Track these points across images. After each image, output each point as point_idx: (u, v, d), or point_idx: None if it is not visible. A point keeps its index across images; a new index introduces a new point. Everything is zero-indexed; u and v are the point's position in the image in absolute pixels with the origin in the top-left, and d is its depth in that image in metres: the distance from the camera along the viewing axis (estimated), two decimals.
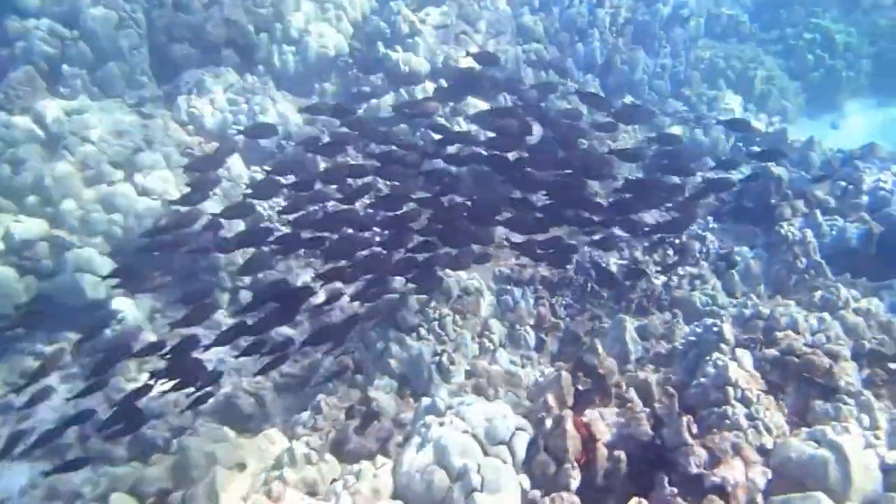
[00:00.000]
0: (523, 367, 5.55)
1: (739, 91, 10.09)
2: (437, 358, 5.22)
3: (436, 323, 5.39)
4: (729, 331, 4.73)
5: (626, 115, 6.12)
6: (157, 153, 6.51)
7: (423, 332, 5.37)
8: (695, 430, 3.99)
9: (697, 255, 6.43)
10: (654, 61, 9.45)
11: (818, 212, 6.00)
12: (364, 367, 5.40)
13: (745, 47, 11.47)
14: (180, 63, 7.80)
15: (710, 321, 4.96)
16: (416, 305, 5.44)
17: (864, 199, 6.01)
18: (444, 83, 7.12)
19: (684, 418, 3.90)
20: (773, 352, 4.39)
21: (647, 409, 4.26)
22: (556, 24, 9.02)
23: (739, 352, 4.43)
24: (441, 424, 4.12)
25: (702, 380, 4.42)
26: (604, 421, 4.18)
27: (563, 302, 6.13)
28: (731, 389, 4.23)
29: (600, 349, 4.76)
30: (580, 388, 4.60)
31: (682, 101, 9.60)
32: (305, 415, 4.96)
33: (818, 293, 5.03)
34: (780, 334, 4.46)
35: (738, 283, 6.06)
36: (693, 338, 5.09)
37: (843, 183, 6.20)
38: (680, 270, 6.31)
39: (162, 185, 6.36)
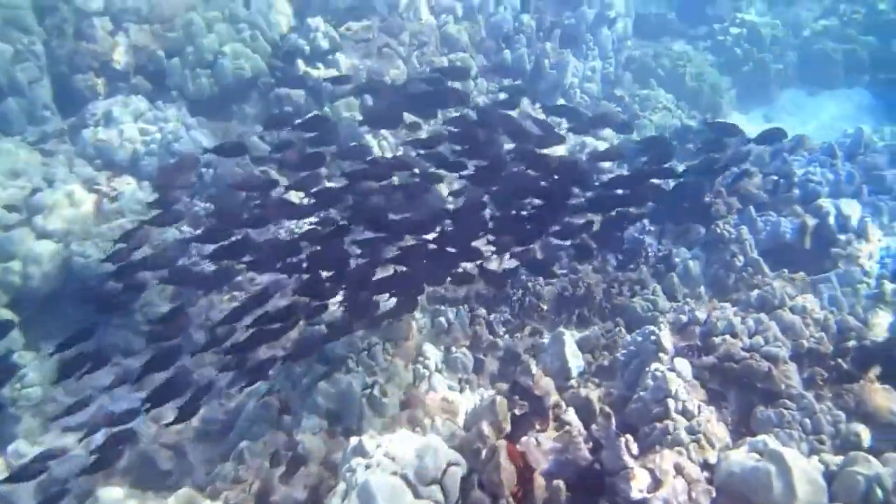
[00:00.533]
0: (461, 391, 5.32)
1: (670, 89, 10.12)
2: (368, 391, 4.95)
3: (365, 353, 5.11)
4: (667, 339, 4.59)
5: (600, 122, 6.02)
6: (58, 192, 6.09)
7: (351, 363, 5.09)
8: (635, 450, 3.80)
9: (638, 259, 6.33)
10: (584, 64, 9.40)
11: (752, 208, 5.93)
12: (291, 406, 5.08)
13: (675, 45, 11.57)
14: (86, 94, 7.38)
15: (648, 329, 4.81)
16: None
17: (796, 192, 5.96)
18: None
19: (622, 440, 3.70)
20: (711, 359, 4.25)
21: (586, 432, 4.07)
22: (481, 32, 8.89)
23: (678, 361, 4.27)
24: (368, 467, 3.84)
25: (642, 394, 4.25)
26: (541, 448, 3.97)
27: (501, 318, 5.92)
28: (671, 402, 4.07)
29: (534, 369, 4.56)
30: (517, 412, 4.38)
31: (614, 102, 9.56)
32: (228, 466, 4.63)
33: (755, 292, 4.92)
34: (717, 339, 4.32)
35: (678, 286, 5.94)
36: (633, 347, 4.94)
37: (775, 177, 6.15)
38: (620, 276, 6.18)
39: (65, 225, 5.94)
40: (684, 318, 4.63)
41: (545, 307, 6.04)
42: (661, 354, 4.50)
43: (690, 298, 5.87)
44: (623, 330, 5.56)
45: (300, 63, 8.05)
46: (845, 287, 5.47)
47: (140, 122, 7.07)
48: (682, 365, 4.25)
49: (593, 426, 3.91)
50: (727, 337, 4.32)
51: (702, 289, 5.91)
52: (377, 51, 8.15)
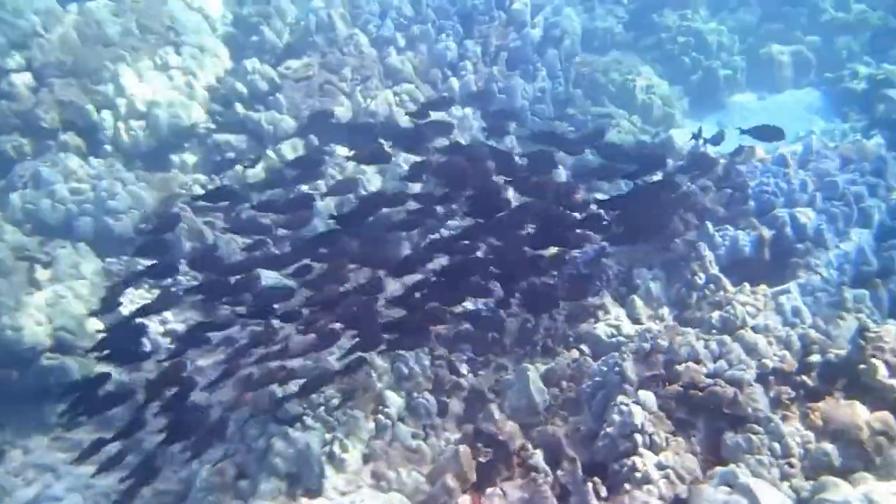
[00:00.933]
0: (427, 437, 5.22)
1: (622, 104, 10.26)
2: (328, 447, 4.83)
3: (322, 408, 5.00)
4: (630, 369, 4.57)
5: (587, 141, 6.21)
6: None
7: (308, 420, 4.97)
8: (604, 493, 3.77)
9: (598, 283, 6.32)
10: (533, 85, 9.48)
11: (709, 223, 5.99)
12: (247, 471, 4.93)
13: (623, 58, 11.75)
14: (11, 156, 7.19)
15: (612, 360, 4.79)
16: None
17: (751, 204, 6.04)
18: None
19: (590, 484, 3.66)
20: (676, 387, 4.23)
21: (553, 476, 4.01)
22: (425, 61, 8.93)
23: (643, 393, 4.25)
24: None
25: (608, 430, 4.21)
26: (507, 499, 3.90)
27: (464, 357, 5.85)
28: (638, 437, 4.04)
29: (496, 413, 4.51)
30: (482, 460, 4.32)
31: (567, 121, 9.64)
32: None
33: (716, 314, 4.94)
34: (680, 367, 4.31)
35: (642, 309, 5.95)
36: (598, 378, 4.92)
37: (729, 190, 6.23)
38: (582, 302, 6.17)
39: None
40: (647, 346, 4.61)
41: (508, 341, 5.99)
42: (625, 386, 4.48)
43: (654, 320, 5.89)
44: (589, 359, 5.53)
45: (239, 106, 7.98)
46: (807, 297, 5.53)
47: (71, 180, 6.90)
48: (647, 396, 4.22)
49: (559, 471, 3.86)
50: (690, 364, 4.31)
51: (665, 310, 5.92)
52: (319, 88, 8.12)
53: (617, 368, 4.61)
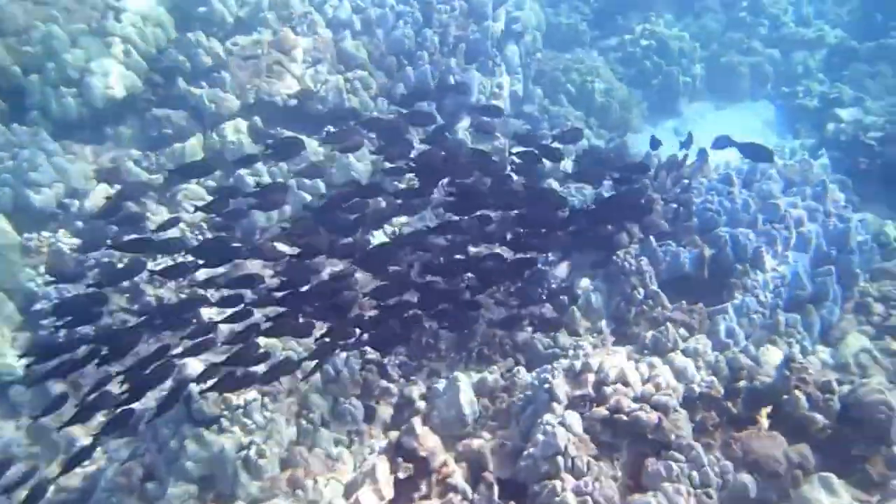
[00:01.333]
0: (350, 444, 5.12)
1: (580, 106, 10.22)
2: (244, 452, 4.68)
3: (240, 410, 4.83)
4: (560, 388, 4.53)
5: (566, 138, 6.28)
6: None
7: (225, 422, 4.80)
8: None
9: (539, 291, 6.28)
10: (491, 80, 9.35)
11: (652, 238, 5.98)
12: (156, 473, 4.75)
13: (585, 58, 11.71)
14: None
15: (543, 376, 4.75)
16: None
17: (695, 220, 6.05)
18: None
19: None
20: (602, 410, 4.20)
21: (472, 497, 3.95)
22: (381, 47, 8.71)
23: (568, 415, 4.21)
24: None
25: (531, 450, 4.17)
26: None
27: (397, 361, 5.75)
28: (560, 459, 4.00)
29: (419, 428, 4.42)
30: (400, 475, 4.23)
31: (523, 119, 9.56)
32: None
33: (649, 333, 4.93)
34: (609, 389, 4.28)
35: (580, 321, 5.92)
36: (529, 392, 4.88)
37: (674, 205, 6.23)
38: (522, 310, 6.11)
39: None
40: (578, 365, 4.57)
41: (443, 346, 5.91)
42: (553, 404, 4.44)
43: (592, 333, 5.87)
44: (523, 370, 5.49)
45: (181, 81, 7.65)
46: (742, 318, 5.58)
47: None
48: (573, 418, 4.19)
49: (476, 495, 3.80)
50: (619, 386, 4.28)
51: (603, 322, 5.91)
52: (266, 68, 7.85)
53: (546, 385, 4.57)
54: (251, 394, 4.87)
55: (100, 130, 7.58)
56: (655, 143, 6.49)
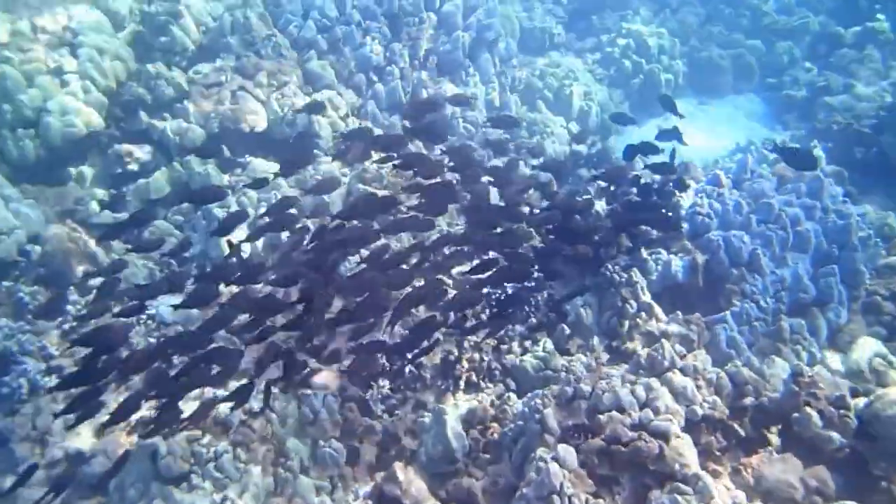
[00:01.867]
0: (333, 490, 4.78)
1: (559, 111, 9.93)
2: None
3: (211, 464, 4.49)
4: (551, 416, 4.21)
5: None
6: None
7: (195, 478, 4.46)
8: None
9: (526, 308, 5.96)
10: (465, 90, 9.07)
11: (643, 247, 5.68)
12: None
13: (563, 59, 11.45)
14: None
15: (533, 404, 4.43)
16: (180, 448, 4.50)
17: (685, 226, 5.75)
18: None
19: None
20: (598, 441, 3.88)
21: None
22: (349, 65, 8.42)
23: (562, 448, 3.89)
24: None
25: (525, 490, 3.84)
26: None
27: (380, 395, 5.41)
28: (556, 500, 3.67)
29: (401, 474, 4.09)
30: None
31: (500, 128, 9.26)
32: None
33: (644, 352, 4.61)
34: (603, 417, 3.96)
35: (571, 339, 5.61)
36: (521, 421, 4.56)
37: (663, 210, 5.92)
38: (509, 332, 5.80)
39: None
40: (569, 391, 4.25)
41: (428, 376, 5.58)
42: (546, 436, 4.13)
43: (584, 351, 5.55)
44: (514, 396, 5.18)
45: (143, 115, 7.36)
46: (742, 326, 5.27)
47: None
48: (568, 452, 3.86)
49: None
50: (614, 413, 3.96)
51: (595, 339, 5.59)
52: (231, 95, 7.55)
53: (538, 416, 4.25)
54: (222, 444, 4.54)
55: (61, 171, 7.27)
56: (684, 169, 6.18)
